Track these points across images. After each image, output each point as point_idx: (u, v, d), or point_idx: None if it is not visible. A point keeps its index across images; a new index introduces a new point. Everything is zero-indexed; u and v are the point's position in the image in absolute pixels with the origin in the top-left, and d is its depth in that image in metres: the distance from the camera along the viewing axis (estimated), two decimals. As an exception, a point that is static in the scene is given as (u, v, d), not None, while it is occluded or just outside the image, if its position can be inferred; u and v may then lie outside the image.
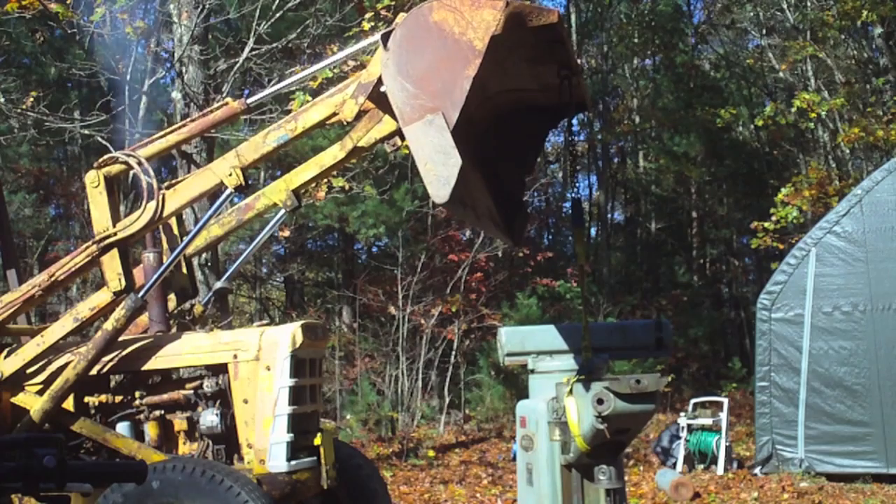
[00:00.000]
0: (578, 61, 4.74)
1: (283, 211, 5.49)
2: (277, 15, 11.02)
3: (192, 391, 5.23)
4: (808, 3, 18.30)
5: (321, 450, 5.18)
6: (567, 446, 4.67)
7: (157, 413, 5.27)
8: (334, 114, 4.81)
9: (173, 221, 5.87)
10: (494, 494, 9.80)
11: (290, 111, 8.15)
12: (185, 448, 5.26)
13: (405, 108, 3.48)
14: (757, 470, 10.22)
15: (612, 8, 23.92)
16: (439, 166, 3.40)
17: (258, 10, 10.64)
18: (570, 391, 4.57)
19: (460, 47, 3.46)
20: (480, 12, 3.47)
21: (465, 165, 3.50)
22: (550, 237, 25.00)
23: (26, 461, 1.91)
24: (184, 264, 5.99)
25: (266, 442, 4.97)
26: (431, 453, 12.14)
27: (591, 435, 4.51)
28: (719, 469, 10.52)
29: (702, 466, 10.90)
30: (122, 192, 13.41)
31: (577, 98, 4.45)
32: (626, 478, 6.61)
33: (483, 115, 4.70)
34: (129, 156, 5.06)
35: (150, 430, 5.24)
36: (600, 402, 4.37)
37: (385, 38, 3.71)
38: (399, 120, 3.52)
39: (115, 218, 5.06)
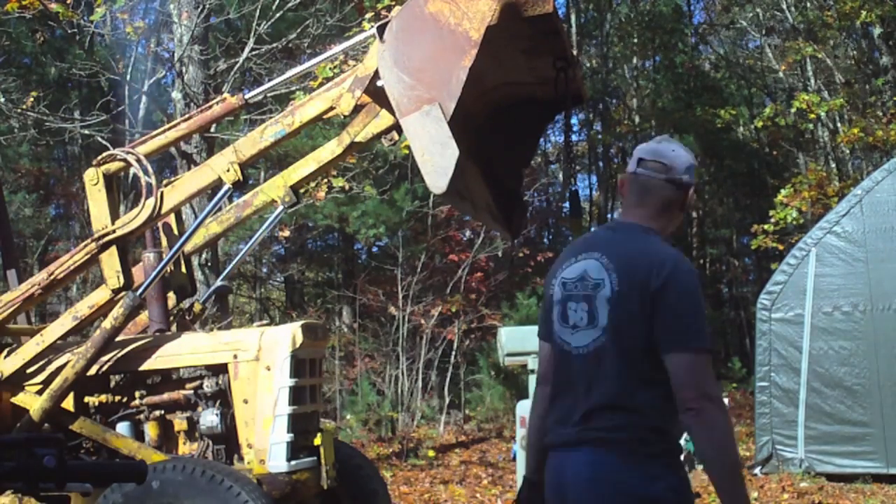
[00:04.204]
0: (574, 54, 4.73)
1: (281, 208, 5.49)
2: (277, 15, 11.03)
3: (192, 391, 5.23)
4: (808, 4, 18.30)
5: (321, 450, 5.18)
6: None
7: (157, 413, 5.26)
8: (331, 108, 4.80)
9: (172, 221, 5.87)
10: (494, 494, 9.80)
11: (290, 111, 8.14)
12: (185, 448, 5.26)
13: (402, 100, 3.48)
14: (757, 470, 10.21)
15: (612, 8, 23.92)
16: (437, 157, 3.40)
17: (258, 10, 10.64)
18: None
19: (456, 38, 3.46)
20: (476, 3, 3.47)
21: (463, 158, 3.50)
22: (550, 237, 24.99)
23: (26, 461, 1.91)
24: (183, 263, 5.99)
25: (266, 442, 4.97)
26: (431, 453, 12.14)
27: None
28: (719, 469, 10.50)
29: (702, 466, 10.89)
30: (122, 192, 13.43)
31: (574, 90, 4.44)
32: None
33: (480, 109, 4.70)
34: (127, 153, 5.06)
35: (150, 430, 5.24)
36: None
37: (381, 30, 3.71)
38: (396, 111, 3.52)
39: (114, 215, 5.06)
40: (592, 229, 3.18)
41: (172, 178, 5.32)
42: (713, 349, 3.17)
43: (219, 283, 6.80)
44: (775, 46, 20.97)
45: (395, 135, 5.18)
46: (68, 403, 5.21)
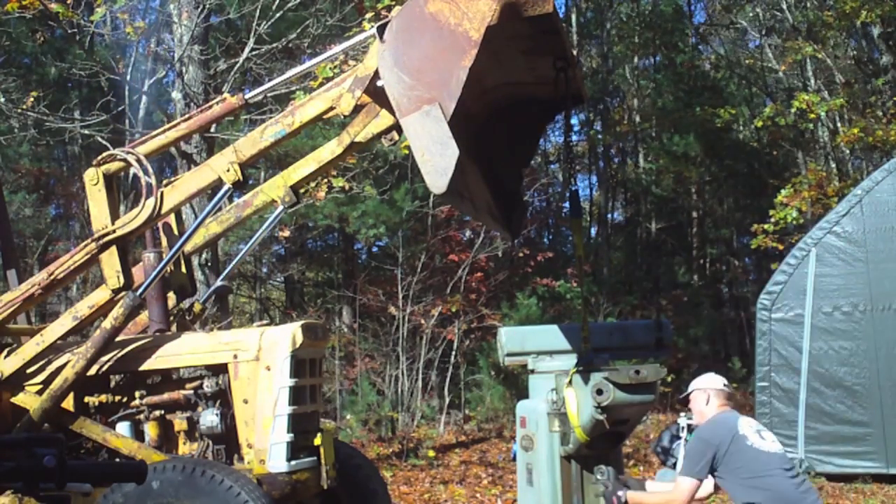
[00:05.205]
0: (574, 54, 4.74)
1: (281, 208, 5.49)
2: (277, 15, 11.02)
3: (192, 391, 5.22)
4: (808, 4, 18.29)
5: (321, 450, 5.18)
6: (567, 437, 4.68)
7: (157, 413, 5.26)
8: (331, 108, 4.80)
9: (173, 221, 5.87)
10: (494, 494, 9.80)
11: (290, 111, 8.13)
12: (185, 448, 5.26)
13: (402, 100, 3.48)
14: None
15: (612, 8, 23.92)
16: (437, 157, 3.39)
17: (258, 10, 10.64)
18: (570, 382, 4.58)
19: (456, 38, 3.45)
20: (476, 3, 3.46)
21: (463, 158, 3.50)
22: (550, 237, 24.99)
23: (26, 461, 1.91)
24: (183, 263, 5.99)
25: (266, 442, 4.97)
26: (431, 453, 12.13)
27: (590, 426, 4.52)
28: (719, 469, 10.50)
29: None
30: (122, 192, 13.42)
31: (574, 90, 4.44)
32: (626, 478, 6.58)
33: (480, 109, 4.70)
34: (127, 153, 5.06)
35: (150, 430, 5.23)
36: (599, 392, 4.38)
37: (381, 29, 3.71)
38: (396, 111, 3.52)
39: (114, 215, 5.06)
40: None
41: (172, 178, 5.32)
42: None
43: (219, 283, 6.79)
44: (775, 46, 20.97)
45: (395, 135, 5.17)
46: (68, 403, 5.21)
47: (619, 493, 4.72)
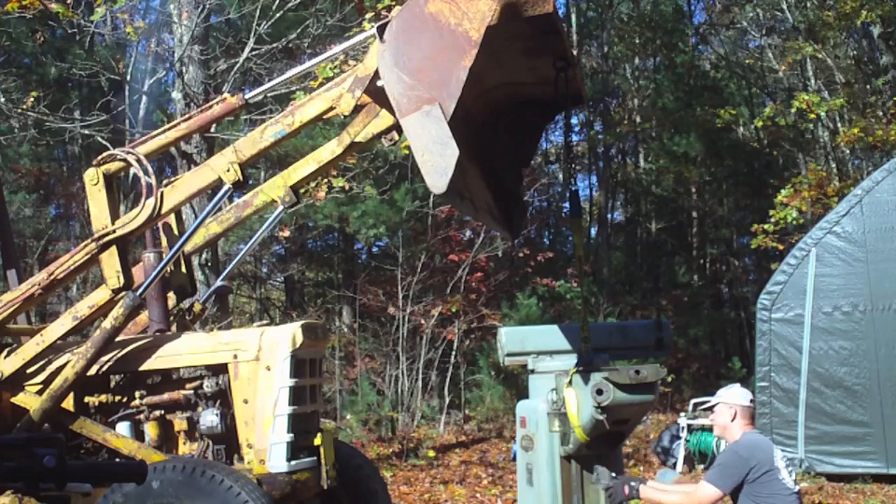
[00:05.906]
0: (574, 54, 4.74)
1: (281, 208, 5.49)
2: (277, 15, 11.02)
3: (192, 391, 5.23)
4: (808, 4, 18.30)
5: (321, 450, 5.18)
6: (566, 437, 4.68)
7: (157, 413, 5.27)
8: (331, 108, 4.80)
9: (173, 221, 5.87)
10: (494, 494, 9.80)
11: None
12: (185, 448, 5.26)
13: (402, 100, 3.48)
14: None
15: (612, 8, 23.93)
16: (437, 157, 3.39)
17: (258, 10, 10.64)
18: (570, 382, 4.58)
19: (456, 38, 3.45)
20: (476, 3, 3.46)
21: (464, 158, 3.50)
22: (550, 237, 24.99)
23: (26, 461, 1.91)
24: (183, 263, 5.99)
25: (266, 442, 4.97)
26: (431, 453, 12.13)
27: (590, 426, 4.52)
28: (719, 469, 10.49)
29: (702, 466, 10.89)
30: (122, 192, 13.42)
31: (574, 90, 4.44)
32: (626, 478, 6.58)
33: (480, 109, 4.70)
34: (127, 153, 5.06)
35: (150, 430, 5.24)
36: (600, 392, 4.38)
37: (381, 30, 3.71)
38: (396, 111, 3.52)
39: (114, 215, 5.06)
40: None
41: (172, 178, 5.32)
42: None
43: (219, 283, 6.80)
44: (775, 46, 20.97)
45: (395, 135, 5.17)
46: (68, 403, 5.20)
47: (632, 482, 4.71)
